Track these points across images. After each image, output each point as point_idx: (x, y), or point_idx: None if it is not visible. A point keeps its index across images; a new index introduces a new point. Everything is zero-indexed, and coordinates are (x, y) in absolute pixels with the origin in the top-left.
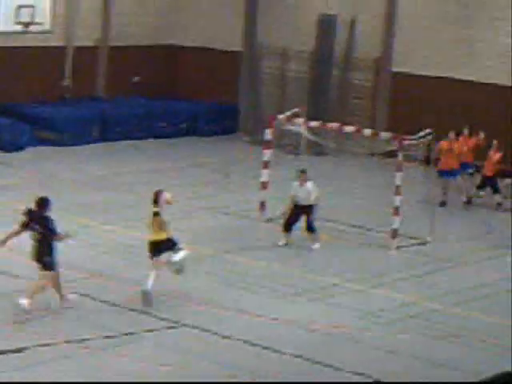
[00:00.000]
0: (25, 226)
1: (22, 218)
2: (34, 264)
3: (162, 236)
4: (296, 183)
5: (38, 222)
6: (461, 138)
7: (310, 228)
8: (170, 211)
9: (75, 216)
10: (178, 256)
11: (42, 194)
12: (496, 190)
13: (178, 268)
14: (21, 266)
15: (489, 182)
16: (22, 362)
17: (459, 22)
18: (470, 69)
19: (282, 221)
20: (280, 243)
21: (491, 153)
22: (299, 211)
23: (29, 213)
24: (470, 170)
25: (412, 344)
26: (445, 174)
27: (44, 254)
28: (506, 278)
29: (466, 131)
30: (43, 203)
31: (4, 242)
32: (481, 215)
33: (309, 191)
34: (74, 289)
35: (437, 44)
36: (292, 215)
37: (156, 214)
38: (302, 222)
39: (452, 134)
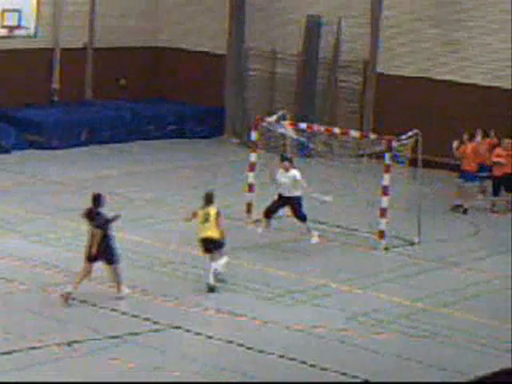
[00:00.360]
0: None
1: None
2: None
3: (218, 235)
4: (280, 170)
5: (95, 218)
6: (477, 140)
7: (300, 217)
8: (158, 213)
9: (63, 220)
10: (222, 261)
11: (29, 196)
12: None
13: (219, 278)
14: None
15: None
16: (11, 364)
17: (445, 23)
18: (456, 70)
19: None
20: (259, 230)
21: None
22: (283, 201)
23: (88, 212)
24: (485, 174)
25: (399, 344)
26: (469, 177)
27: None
28: (494, 278)
29: (479, 133)
30: (96, 200)
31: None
32: (470, 217)
33: (294, 175)
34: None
35: (423, 46)
36: (275, 204)
37: (218, 213)
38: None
39: (466, 136)
